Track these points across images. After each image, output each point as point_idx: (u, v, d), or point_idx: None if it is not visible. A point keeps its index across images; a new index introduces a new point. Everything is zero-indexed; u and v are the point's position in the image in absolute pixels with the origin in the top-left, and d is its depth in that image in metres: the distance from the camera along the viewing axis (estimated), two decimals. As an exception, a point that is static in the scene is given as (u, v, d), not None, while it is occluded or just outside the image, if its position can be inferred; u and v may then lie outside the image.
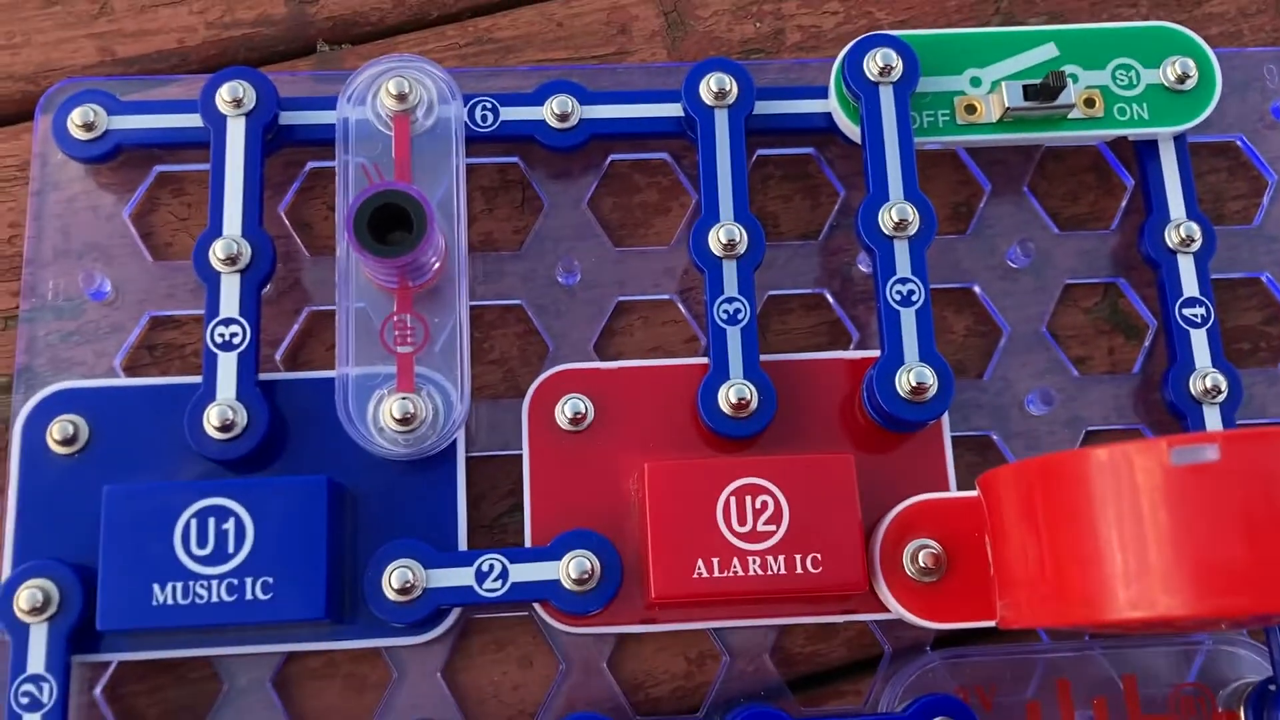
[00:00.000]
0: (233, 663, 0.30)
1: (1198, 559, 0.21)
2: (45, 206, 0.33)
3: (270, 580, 0.28)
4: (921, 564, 0.29)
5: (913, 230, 0.31)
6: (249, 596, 0.28)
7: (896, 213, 0.31)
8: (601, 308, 0.33)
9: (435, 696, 0.31)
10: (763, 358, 0.32)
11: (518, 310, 0.34)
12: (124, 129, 0.33)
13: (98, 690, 0.30)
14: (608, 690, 0.31)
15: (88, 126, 0.32)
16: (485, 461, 0.32)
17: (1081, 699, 0.30)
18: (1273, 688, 0.29)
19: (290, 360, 0.33)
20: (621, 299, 0.34)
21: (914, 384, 0.30)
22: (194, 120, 0.32)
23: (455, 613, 0.30)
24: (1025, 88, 0.32)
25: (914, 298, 0.31)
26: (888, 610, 0.30)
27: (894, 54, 0.32)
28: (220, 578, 0.28)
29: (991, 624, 0.30)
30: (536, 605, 0.31)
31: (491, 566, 0.29)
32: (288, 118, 0.33)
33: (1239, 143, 0.36)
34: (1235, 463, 0.21)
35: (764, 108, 0.34)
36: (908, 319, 0.31)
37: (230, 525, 0.28)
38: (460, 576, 0.29)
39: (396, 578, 0.29)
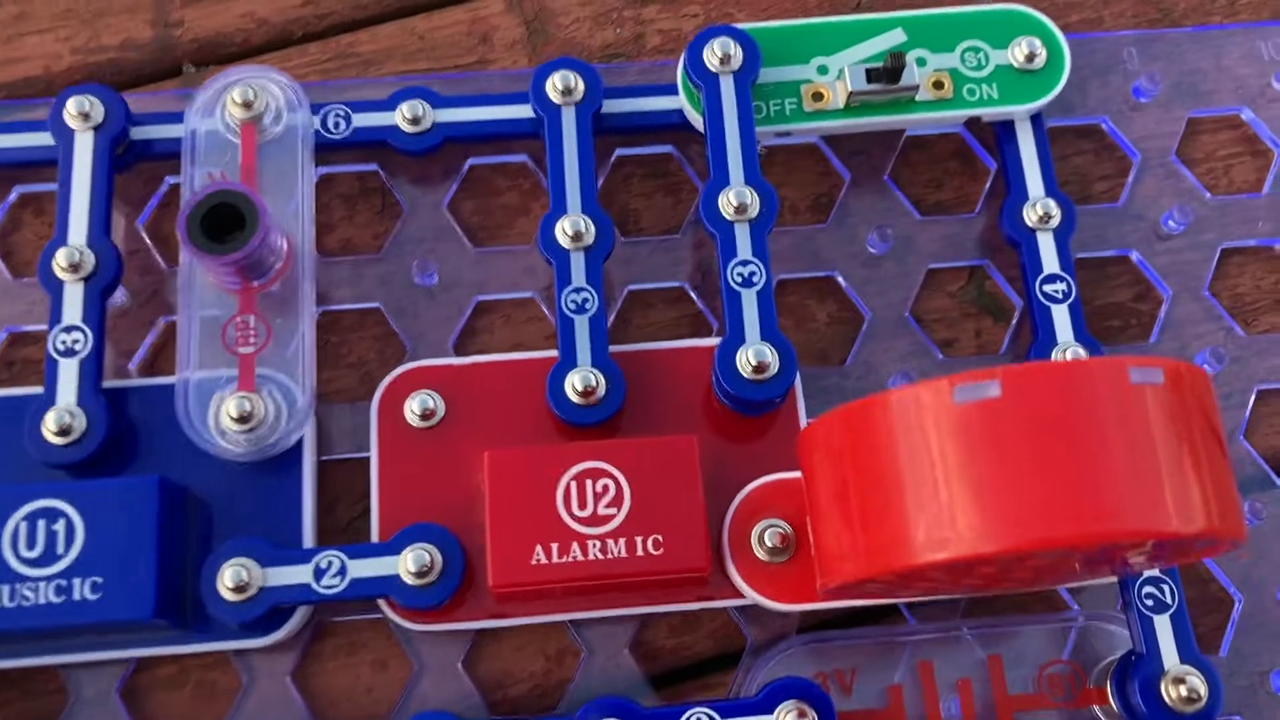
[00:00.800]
0: (79, 673, 0.30)
1: (988, 496, 0.21)
2: (-94, 229, 0.33)
3: (99, 580, 0.28)
4: (769, 544, 0.29)
5: (753, 214, 0.31)
6: (77, 597, 0.28)
7: (735, 196, 0.31)
8: (460, 307, 0.33)
9: (286, 702, 0.30)
10: (617, 348, 0.32)
11: (376, 314, 0.34)
12: (-21, 148, 0.33)
13: (-60, 705, 0.30)
14: (464, 691, 0.30)
15: (-57, 146, 0.33)
16: (340, 465, 0.32)
17: (946, 681, 0.30)
18: (1132, 659, 0.28)
19: (147, 370, 0.33)
20: (482, 298, 0.34)
21: (754, 362, 0.29)
22: (49, 139, 0.33)
23: (301, 616, 0.30)
24: (868, 71, 0.32)
25: (755, 279, 0.31)
26: (742, 595, 0.30)
27: (732, 43, 0.32)
28: (49, 579, 0.28)
29: (852, 605, 0.29)
30: (384, 604, 0.30)
31: (330, 563, 0.29)
32: (142, 133, 0.33)
33: (1103, 125, 0.36)
34: (1017, 398, 0.21)
35: (618, 106, 0.34)
36: (749, 300, 0.30)
37: (60, 527, 0.28)
38: (298, 574, 0.29)
39: (230, 576, 0.28)
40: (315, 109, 0.33)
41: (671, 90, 0.34)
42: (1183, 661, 0.28)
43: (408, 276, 0.34)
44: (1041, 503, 0.20)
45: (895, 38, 0.34)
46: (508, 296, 0.34)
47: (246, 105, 0.32)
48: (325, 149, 0.33)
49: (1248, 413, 0.33)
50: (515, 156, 0.35)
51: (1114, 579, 0.29)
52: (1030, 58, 0.33)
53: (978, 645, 0.30)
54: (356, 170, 0.35)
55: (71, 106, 0.32)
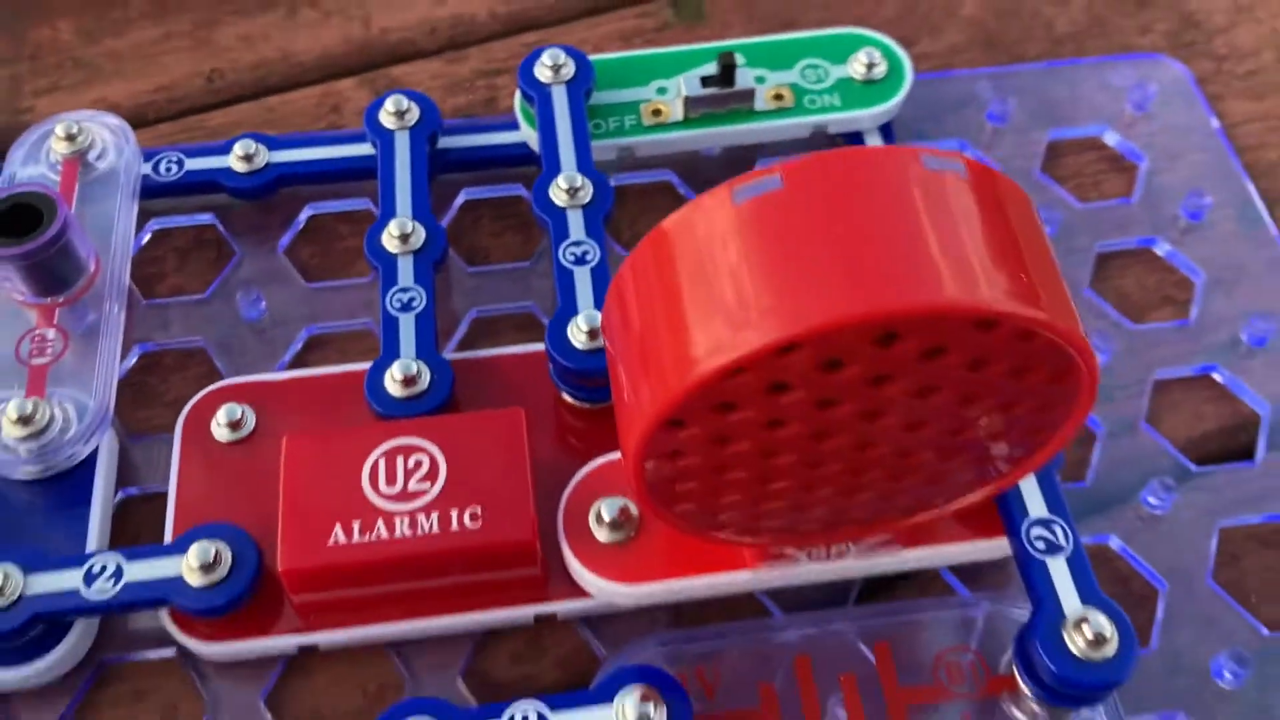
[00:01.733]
0: None
1: (781, 284, 0.18)
2: None
3: None
4: (608, 518, 0.25)
5: (586, 199, 0.30)
6: None
7: (565, 180, 0.30)
8: (290, 340, 0.31)
9: (53, 759, 0.25)
10: (455, 355, 0.29)
11: (200, 353, 0.31)
12: None
13: None
14: (268, 738, 0.26)
15: None
16: (148, 500, 0.29)
17: (827, 676, 0.25)
18: (1026, 614, 0.24)
19: (-55, 418, 0.30)
20: (314, 330, 0.32)
21: (587, 328, 0.27)
22: None
23: (76, 648, 0.26)
24: (703, 78, 0.32)
25: (588, 257, 0.29)
26: (584, 594, 0.26)
27: (563, 54, 0.32)
28: None
29: (703, 586, 0.25)
30: (175, 631, 0.26)
31: (104, 567, 0.25)
32: (-35, 184, 0.32)
33: (963, 149, 0.35)
34: (801, 187, 0.19)
35: (459, 141, 0.33)
36: (582, 275, 0.28)
37: None
38: (66, 580, 0.25)
39: (-17, 580, 0.24)
40: (148, 155, 0.33)
41: (511, 126, 0.34)
42: (1084, 604, 0.23)
43: (235, 313, 0.32)
44: (839, 282, 0.18)
45: (735, 58, 0.34)
46: (342, 326, 0.32)
47: (70, 139, 0.31)
48: (157, 194, 0.33)
49: (1146, 401, 0.30)
50: (357, 202, 0.34)
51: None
52: (870, 67, 0.33)
53: (862, 638, 0.26)
54: (192, 223, 0.34)
55: (-112, 146, 0.31)
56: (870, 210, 0.19)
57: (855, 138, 0.33)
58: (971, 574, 0.28)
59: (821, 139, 0.34)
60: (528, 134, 0.33)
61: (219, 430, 0.28)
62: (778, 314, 0.18)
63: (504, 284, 0.32)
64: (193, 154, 0.33)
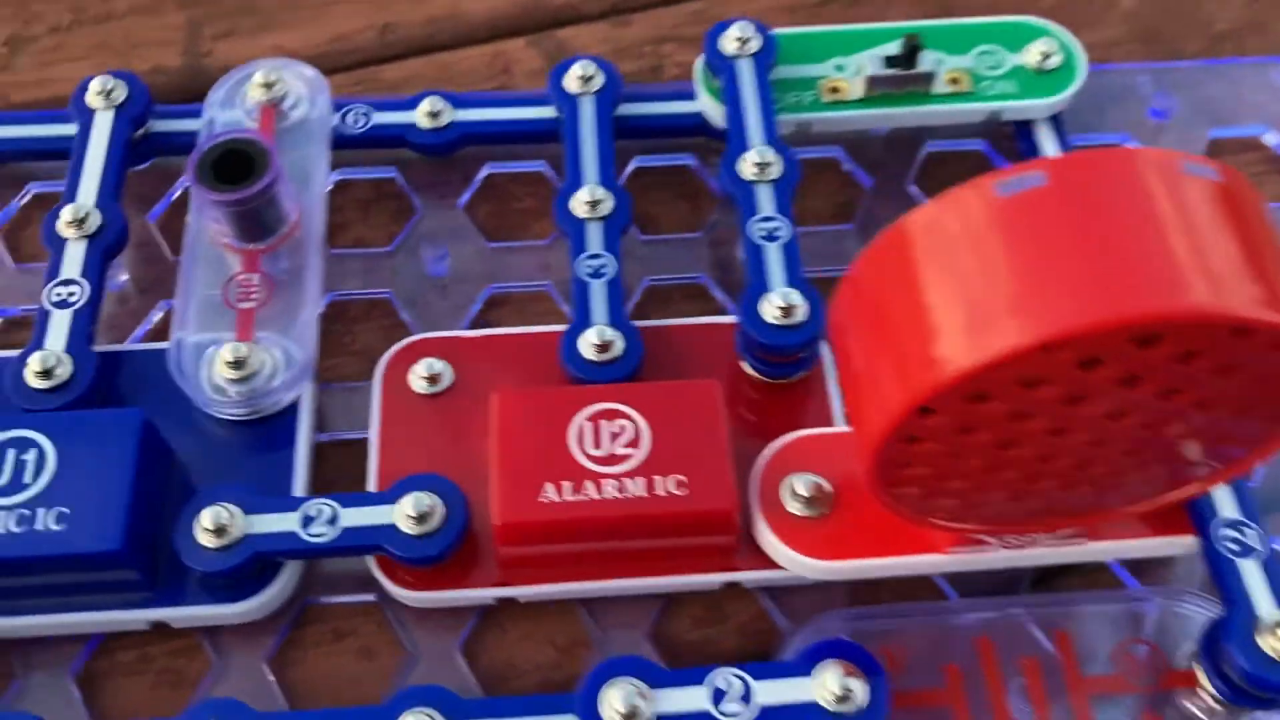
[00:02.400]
0: (29, 651, 0.27)
1: (1040, 284, 0.19)
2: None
3: (66, 510, 0.25)
4: (803, 494, 0.26)
5: (774, 174, 0.30)
6: (40, 527, 0.25)
7: (756, 155, 0.30)
8: (472, 298, 0.32)
9: (261, 689, 0.27)
10: (637, 322, 0.30)
11: (384, 304, 0.32)
12: (-7, 139, 0.33)
13: None
14: (462, 683, 0.27)
15: (-42, 136, 0.33)
16: (339, 446, 0.30)
17: (1009, 661, 0.26)
18: (1221, 618, 0.25)
19: (141, 353, 0.31)
20: (494, 289, 0.32)
21: (782, 304, 0.28)
22: (68, 130, 0.33)
23: (285, 585, 0.27)
24: (886, 57, 0.33)
25: (779, 233, 0.30)
26: (775, 564, 0.27)
27: (750, 27, 0.33)
28: (11, 508, 0.25)
29: (892, 566, 0.26)
30: (380, 574, 0.27)
31: (320, 511, 0.26)
32: (162, 126, 0.33)
33: (1126, 144, 0.36)
34: (1064, 185, 0.19)
35: (636, 109, 0.34)
36: (773, 252, 0.29)
37: (30, 456, 0.26)
38: (284, 522, 0.26)
39: (210, 517, 0.26)
40: (336, 106, 0.33)
41: (687, 95, 0.34)
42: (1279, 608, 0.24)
43: (419, 268, 0.33)
44: (1112, 281, 0.18)
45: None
46: (521, 287, 0.33)
47: (268, 86, 0.32)
48: (343, 146, 0.33)
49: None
50: (533, 165, 0.35)
51: (1186, 538, 0.26)
52: (1045, 57, 0.34)
53: (1042, 625, 0.27)
54: (374, 176, 0.34)
55: (95, 85, 0.32)
56: (1136, 211, 0.19)
57: (1026, 126, 0.34)
58: (1136, 566, 0.28)
59: (994, 125, 0.35)
60: (706, 104, 0.33)
61: (417, 382, 0.29)
62: (1052, 310, 0.19)
63: (676, 253, 0.33)
64: (380, 107, 0.34)
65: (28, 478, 0.25)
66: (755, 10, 0.39)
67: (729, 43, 0.33)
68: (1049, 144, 0.34)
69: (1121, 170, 0.19)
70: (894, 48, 0.33)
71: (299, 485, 0.28)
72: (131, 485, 0.26)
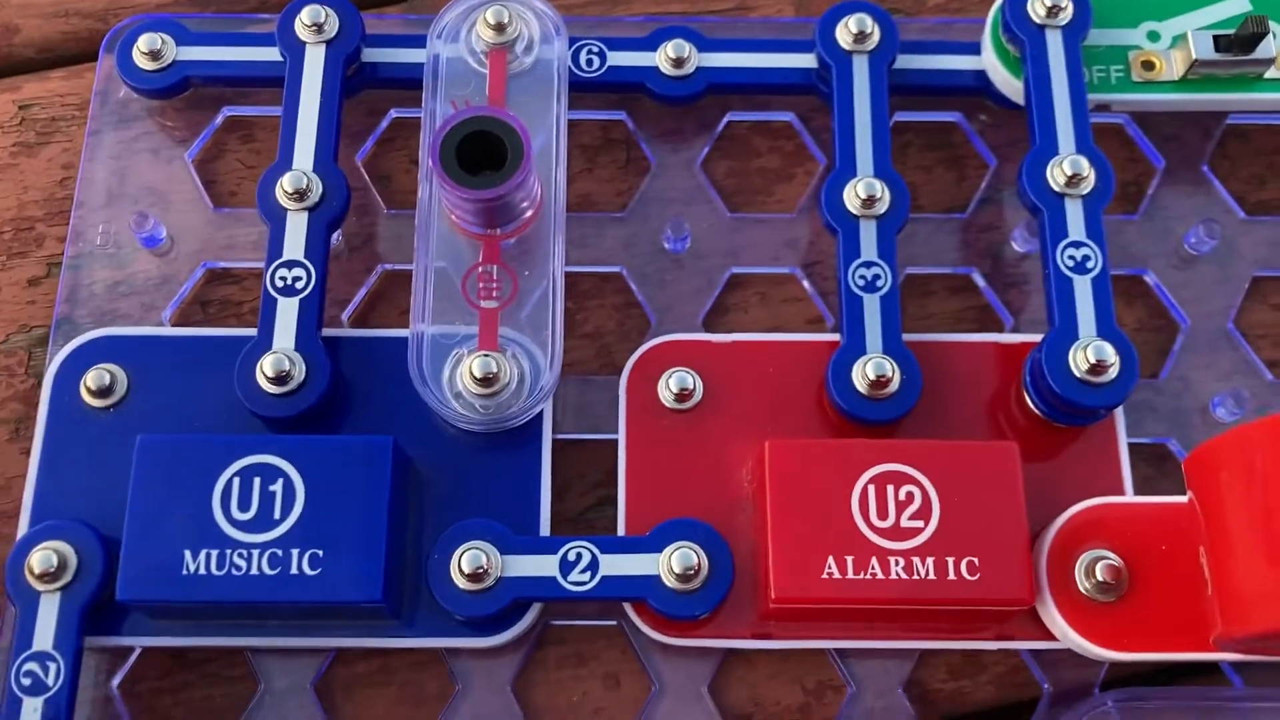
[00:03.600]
0: (271, 661, 0.26)
1: None
2: (101, 147, 0.30)
3: (320, 553, 0.24)
4: (1099, 578, 0.24)
5: (1087, 188, 0.27)
6: (294, 570, 0.24)
7: (1069, 165, 0.27)
8: (712, 279, 0.29)
9: (502, 714, 0.26)
10: (909, 336, 0.27)
11: (616, 279, 0.29)
12: (193, 60, 0.29)
13: (114, 683, 0.26)
14: (706, 718, 0.26)
15: (154, 55, 0.29)
16: (572, 446, 0.28)
17: (1290, 760, 0.25)
18: None
19: (359, 323, 0.29)
20: (736, 270, 0.29)
21: (1092, 361, 0.25)
22: (270, 54, 0.29)
23: (531, 616, 0.26)
24: (1216, 38, 0.28)
25: (1089, 264, 0.26)
26: (1053, 636, 0.25)
27: (1064, -11, 0.28)
28: (262, 547, 0.24)
29: (1172, 658, 0.25)
30: (629, 608, 0.26)
31: (579, 555, 0.25)
32: (372, 55, 0.29)
33: None
34: None
35: (907, 62, 0.30)
36: (1082, 288, 0.26)
37: (278, 487, 0.24)
38: (542, 565, 0.25)
39: (468, 560, 0.24)
40: (568, 43, 0.29)
41: (967, 49, 0.30)
42: None
43: (655, 240, 0.29)
44: None
45: (1237, 6, 0.29)
46: (765, 270, 0.30)
47: (499, 28, 0.28)
48: (575, 88, 0.30)
49: None
50: (779, 114, 0.31)
51: None
52: (1401, 36, 0.29)
53: (1325, 720, 0.25)
54: (600, 118, 0.31)
55: (305, 16, 0.28)
56: None
57: (1358, 114, 0.29)
58: None
59: (1317, 113, 0.30)
60: (994, 68, 0.29)
61: (666, 396, 0.27)
62: None
63: (938, 236, 0.30)
64: (615, 46, 0.30)
65: (277, 512, 0.24)
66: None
67: (1037, 7, 0.28)
68: (1380, 137, 0.29)
69: None
70: (1220, 14, 0.29)
71: (544, 500, 0.26)
72: (386, 525, 0.24)
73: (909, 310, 0.29)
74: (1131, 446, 0.28)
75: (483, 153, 0.26)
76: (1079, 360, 0.25)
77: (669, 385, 0.27)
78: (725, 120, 0.31)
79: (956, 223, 0.30)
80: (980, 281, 0.29)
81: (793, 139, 0.31)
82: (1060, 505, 0.25)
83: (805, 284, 0.30)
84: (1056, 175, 0.27)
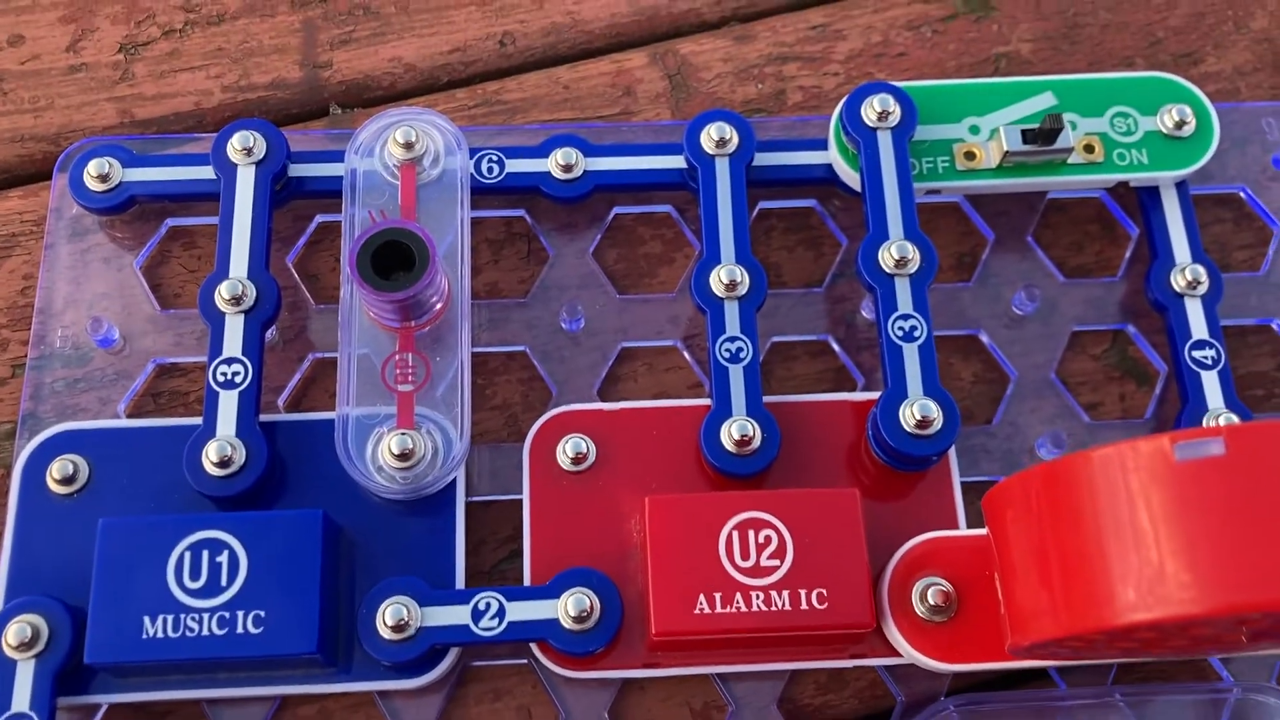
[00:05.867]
0: (224, 710, 0.30)
1: (1207, 555, 0.21)
2: (57, 258, 0.34)
3: (262, 614, 0.27)
4: (931, 602, 0.28)
5: (913, 268, 0.31)
6: (240, 630, 0.27)
7: (897, 250, 0.31)
8: (605, 354, 0.33)
9: (431, 747, 0.30)
10: (766, 399, 0.32)
11: (521, 357, 0.34)
12: (138, 181, 0.33)
13: (84, 737, 0.29)
14: (609, 742, 0.30)
15: (103, 178, 0.33)
16: (485, 507, 0.32)
17: (1105, 749, 0.29)
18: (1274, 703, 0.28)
19: (293, 406, 0.33)
20: (625, 345, 0.34)
21: (918, 417, 0.29)
22: (205, 173, 0.33)
23: (451, 659, 0.30)
24: (1024, 132, 0.33)
25: (916, 333, 0.31)
26: (898, 654, 0.29)
27: (892, 99, 0.32)
28: (212, 610, 0.27)
29: (1006, 667, 0.29)
30: (535, 648, 0.30)
31: (488, 605, 0.29)
32: (297, 170, 0.33)
33: (1242, 194, 0.36)
34: (1241, 455, 0.21)
35: (765, 159, 0.34)
36: (910, 354, 0.30)
37: (224, 558, 0.28)
38: (456, 615, 0.29)
39: (391, 614, 0.28)
40: (469, 154, 0.34)
41: (817, 145, 0.34)
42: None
43: (554, 321, 0.34)
44: (1264, 562, 0.20)
45: (1044, 101, 0.34)
46: (650, 344, 0.34)
47: (408, 146, 0.32)
48: (476, 193, 0.34)
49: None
50: (658, 207, 0.35)
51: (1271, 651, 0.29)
52: (1180, 125, 0.34)
53: (1132, 713, 0.29)
54: (503, 215, 0.35)
55: (236, 141, 0.32)
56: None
57: (1153, 192, 0.34)
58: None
59: (1115, 190, 0.35)
60: (837, 162, 0.34)
61: (564, 460, 0.31)
62: (1222, 584, 0.20)
63: (799, 308, 0.34)
64: (512, 155, 0.34)
65: (223, 580, 0.28)
66: (881, 24, 0.38)
67: (869, 112, 0.32)
68: (1174, 208, 0.34)
69: (1296, 445, 0.21)
70: (1031, 108, 0.33)
71: (459, 555, 0.30)
72: (319, 585, 0.28)
73: (776, 373, 0.34)
74: (967, 485, 0.32)
75: (395, 258, 0.30)
76: (908, 417, 0.29)
77: (566, 450, 0.31)
78: (613, 213, 0.35)
79: (815, 295, 0.34)
80: (835, 346, 0.34)
81: (672, 228, 0.35)
82: (903, 540, 0.30)
83: (685, 355, 0.34)
84: (886, 258, 0.31)
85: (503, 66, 0.38)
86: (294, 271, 0.34)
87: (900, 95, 0.33)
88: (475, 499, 0.32)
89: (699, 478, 0.31)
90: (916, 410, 0.29)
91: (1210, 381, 0.32)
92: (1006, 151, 0.33)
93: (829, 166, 0.34)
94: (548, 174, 0.34)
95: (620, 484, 0.31)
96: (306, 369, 0.33)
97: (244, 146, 0.32)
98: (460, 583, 0.30)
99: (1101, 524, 0.22)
